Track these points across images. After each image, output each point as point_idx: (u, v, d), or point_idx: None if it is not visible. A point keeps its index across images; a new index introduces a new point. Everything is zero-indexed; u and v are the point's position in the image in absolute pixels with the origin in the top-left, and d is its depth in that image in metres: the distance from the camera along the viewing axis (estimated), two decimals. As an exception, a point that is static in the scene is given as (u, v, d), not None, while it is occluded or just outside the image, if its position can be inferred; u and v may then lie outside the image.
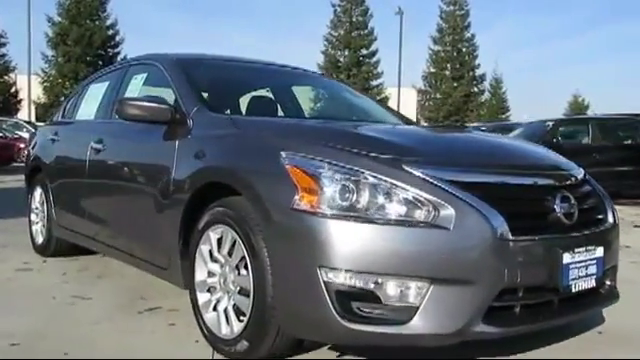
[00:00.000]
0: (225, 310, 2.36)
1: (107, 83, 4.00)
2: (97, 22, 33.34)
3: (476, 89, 37.85)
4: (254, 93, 3.51)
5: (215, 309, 2.43)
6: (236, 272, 2.31)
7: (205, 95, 3.01)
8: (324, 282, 1.93)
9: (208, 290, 2.48)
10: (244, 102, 3.32)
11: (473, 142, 2.60)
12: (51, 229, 4.25)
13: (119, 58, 34.36)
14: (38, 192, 4.52)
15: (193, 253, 2.53)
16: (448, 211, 1.93)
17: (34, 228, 4.61)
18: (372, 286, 1.92)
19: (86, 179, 3.59)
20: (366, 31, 36.47)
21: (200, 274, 2.51)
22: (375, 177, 2.00)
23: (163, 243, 2.76)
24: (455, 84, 37.07)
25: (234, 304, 2.32)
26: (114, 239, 3.30)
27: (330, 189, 2.00)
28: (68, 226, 3.98)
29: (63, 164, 4.05)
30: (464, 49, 37.49)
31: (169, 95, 3.10)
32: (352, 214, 1.96)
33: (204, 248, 2.48)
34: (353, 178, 2.01)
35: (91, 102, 4.11)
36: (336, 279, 1.93)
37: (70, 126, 4.29)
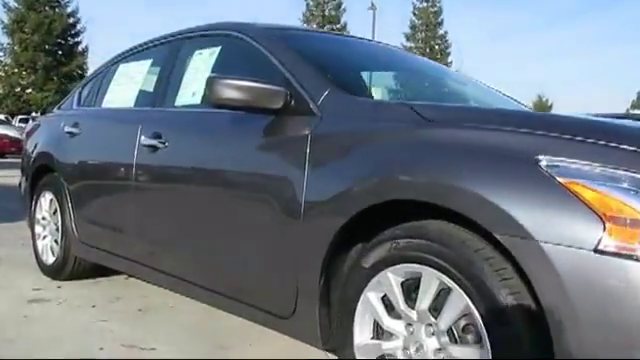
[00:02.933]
0: (421, 395, 1.57)
1: (149, 61, 3.12)
2: (57, 9, 31.57)
3: (448, 87, 37.60)
4: (377, 75, 2.67)
5: (393, 388, 1.64)
6: (446, 338, 1.52)
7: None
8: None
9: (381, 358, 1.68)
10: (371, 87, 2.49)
11: None
12: (69, 246, 3.35)
13: (80, 48, 32.73)
14: (47, 198, 3.60)
15: (351, 301, 1.72)
16: None
17: (41, 244, 3.68)
18: None
19: (133, 185, 2.72)
20: (339, 25, 35.70)
21: (363, 333, 1.71)
22: None
23: (285, 282, 1.94)
24: (427, 81, 36.69)
25: (441, 387, 1.53)
26: (188, 270, 2.44)
27: (660, 219, 1.24)
28: (98, 245, 3.09)
29: (92, 165, 3.15)
30: (437, 46, 37.19)
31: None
32: None
33: (373, 296, 1.68)
34: None
35: (126, 85, 3.22)
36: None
37: (97, 116, 3.38)
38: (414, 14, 37.01)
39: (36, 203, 3.71)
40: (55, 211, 3.50)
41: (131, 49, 3.41)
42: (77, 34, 32.62)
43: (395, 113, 1.82)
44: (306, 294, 1.87)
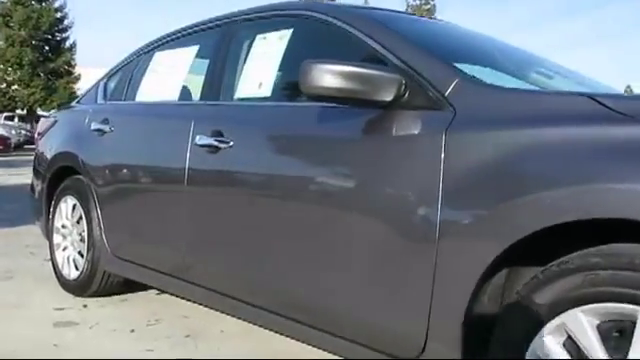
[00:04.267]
0: None
1: (194, 49, 2.70)
2: (44, 3, 30.78)
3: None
4: (493, 61, 2.26)
5: None
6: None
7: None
8: None
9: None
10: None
11: None
12: (97, 259, 2.93)
13: (68, 44, 32.01)
14: (69, 204, 3.18)
15: (515, 346, 1.35)
16: None
17: (61, 255, 3.26)
18: None
19: (185, 191, 2.31)
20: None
21: (533, 386, 1.33)
22: None
23: (410, 317, 1.56)
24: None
25: None
26: (264, 297, 2.03)
27: None
28: (136, 259, 2.68)
29: (128, 167, 2.73)
30: (430, 45, 36.92)
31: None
32: None
33: (552, 342, 1.30)
34: None
35: (165, 76, 2.81)
36: None
37: (132, 111, 2.96)
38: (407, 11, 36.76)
39: (55, 209, 3.29)
40: (79, 219, 3.08)
41: (168, 35, 2.99)
42: (65, 29, 31.88)
43: (570, 106, 1.43)
44: (440, 331, 1.50)
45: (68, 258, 3.19)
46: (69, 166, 3.18)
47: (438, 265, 1.48)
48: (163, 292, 3.12)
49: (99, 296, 3.09)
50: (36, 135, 3.81)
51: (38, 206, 3.51)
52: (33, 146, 24.06)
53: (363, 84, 1.65)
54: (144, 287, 3.06)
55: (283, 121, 2.04)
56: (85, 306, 2.98)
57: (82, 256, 3.06)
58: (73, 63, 32.22)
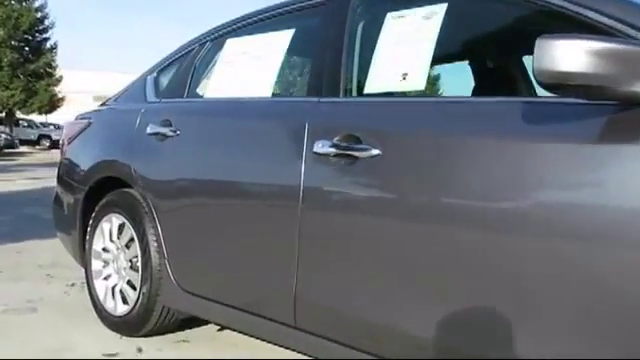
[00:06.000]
0: None
1: (287, 33, 2.15)
2: (24, 3, 29.73)
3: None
4: None
5: None
6: None
7: None
8: None
9: None
10: None
11: None
12: (156, 293, 2.38)
13: (49, 44, 31.01)
14: (114, 223, 2.61)
15: None
16: None
17: (101, 285, 2.68)
18: None
19: (298, 212, 1.77)
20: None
21: None
22: None
23: None
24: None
25: None
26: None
27: None
28: (215, 296, 2.14)
29: (206, 181, 2.19)
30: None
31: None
32: None
33: None
34: None
35: (249, 68, 2.27)
36: None
37: (207, 110, 2.39)
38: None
39: (94, 229, 2.72)
40: (130, 242, 2.52)
41: (244, 18, 2.44)
42: (45, 30, 30.85)
43: None
44: None
45: (113, 289, 2.62)
46: (114, 177, 2.62)
47: None
48: (224, 328, 2.59)
49: (152, 335, 2.54)
50: (61, 140, 3.23)
51: (68, 221, 2.94)
52: (14, 150, 23.07)
53: (622, 68, 1.16)
54: (198, 322, 2.56)
55: (466, 122, 1.51)
56: (140, 350, 2.42)
57: (133, 288, 2.50)
58: (54, 65, 31.23)
